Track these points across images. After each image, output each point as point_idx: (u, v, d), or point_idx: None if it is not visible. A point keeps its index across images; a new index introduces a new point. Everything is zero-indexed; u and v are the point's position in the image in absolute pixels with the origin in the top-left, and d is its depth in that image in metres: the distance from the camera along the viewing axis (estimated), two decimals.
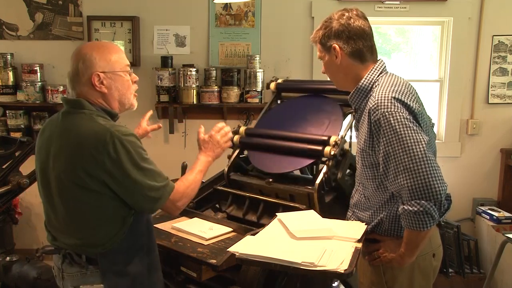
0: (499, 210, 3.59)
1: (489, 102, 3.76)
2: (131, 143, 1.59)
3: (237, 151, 2.44)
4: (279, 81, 2.63)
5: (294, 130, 2.33)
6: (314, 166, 2.50)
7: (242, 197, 2.30)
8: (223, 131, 1.96)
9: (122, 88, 1.69)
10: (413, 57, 4.08)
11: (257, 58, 3.65)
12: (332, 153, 2.07)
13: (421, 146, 1.53)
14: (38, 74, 3.70)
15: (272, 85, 2.60)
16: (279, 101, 2.65)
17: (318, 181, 2.07)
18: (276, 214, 1.88)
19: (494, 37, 3.69)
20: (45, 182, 1.68)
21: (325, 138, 2.14)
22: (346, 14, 1.71)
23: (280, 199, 2.20)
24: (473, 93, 3.76)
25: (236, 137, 2.43)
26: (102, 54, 1.64)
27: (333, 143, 2.09)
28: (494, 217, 3.48)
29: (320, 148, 2.12)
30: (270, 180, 2.22)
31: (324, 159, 2.14)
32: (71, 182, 1.58)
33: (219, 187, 2.40)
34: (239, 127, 2.49)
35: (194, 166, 1.86)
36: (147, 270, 1.74)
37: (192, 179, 1.80)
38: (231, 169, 2.40)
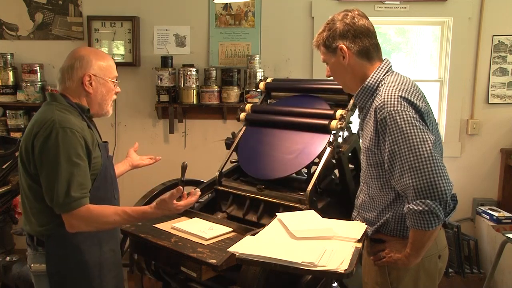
0: (499, 210, 3.59)
1: (489, 102, 3.76)
2: (67, 139, 1.65)
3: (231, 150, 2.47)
4: (268, 80, 2.62)
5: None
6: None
7: (243, 197, 2.30)
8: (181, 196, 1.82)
9: (106, 94, 1.86)
10: (413, 57, 4.07)
11: (257, 58, 3.64)
12: (339, 126, 2.10)
13: (426, 145, 1.52)
14: (38, 74, 3.70)
15: (261, 85, 2.61)
16: (269, 101, 2.65)
17: (309, 187, 2.06)
18: (276, 214, 1.88)
19: (494, 37, 3.69)
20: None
21: (331, 112, 2.18)
22: (350, 14, 1.71)
23: (278, 198, 2.19)
24: (473, 93, 3.76)
25: (243, 115, 2.49)
26: (98, 60, 1.83)
27: (339, 116, 2.13)
28: (494, 217, 3.48)
29: (326, 122, 2.16)
30: (262, 186, 2.24)
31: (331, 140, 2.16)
32: (22, 166, 1.75)
33: (220, 187, 2.40)
34: (245, 104, 2.55)
35: (131, 208, 1.79)
36: (98, 264, 1.78)
37: (111, 212, 1.71)
38: (222, 174, 2.43)
